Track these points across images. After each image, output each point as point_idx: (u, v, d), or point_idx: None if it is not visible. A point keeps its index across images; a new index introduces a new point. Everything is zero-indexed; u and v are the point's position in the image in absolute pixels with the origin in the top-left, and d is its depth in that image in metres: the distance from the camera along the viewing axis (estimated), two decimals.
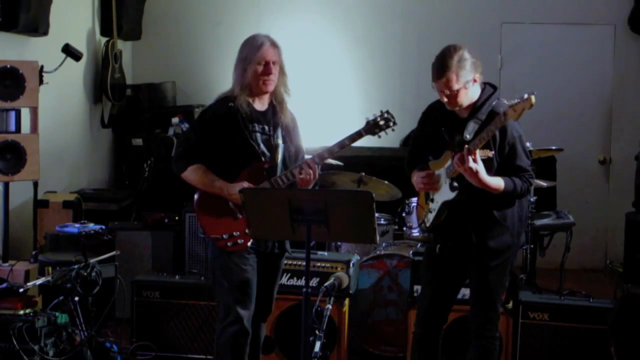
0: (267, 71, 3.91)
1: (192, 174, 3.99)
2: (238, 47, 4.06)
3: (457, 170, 3.76)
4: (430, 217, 4.02)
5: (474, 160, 3.67)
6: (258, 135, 3.98)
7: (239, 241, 3.93)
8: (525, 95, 3.52)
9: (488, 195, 3.80)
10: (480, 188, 3.76)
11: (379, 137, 4.05)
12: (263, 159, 3.99)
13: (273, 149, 4.01)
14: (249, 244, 3.95)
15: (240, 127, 3.93)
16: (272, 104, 4.04)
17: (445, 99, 3.81)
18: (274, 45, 3.96)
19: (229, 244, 3.94)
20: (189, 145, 4.04)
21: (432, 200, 4.02)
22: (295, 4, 8.16)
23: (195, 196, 4.05)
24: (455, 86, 3.76)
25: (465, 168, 3.68)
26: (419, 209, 4.22)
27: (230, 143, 3.95)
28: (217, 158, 3.98)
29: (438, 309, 4.10)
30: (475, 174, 3.68)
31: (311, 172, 3.92)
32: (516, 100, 3.55)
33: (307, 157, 4.11)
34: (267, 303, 4.14)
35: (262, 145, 3.99)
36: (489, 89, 3.90)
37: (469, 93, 3.82)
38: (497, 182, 3.77)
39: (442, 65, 3.77)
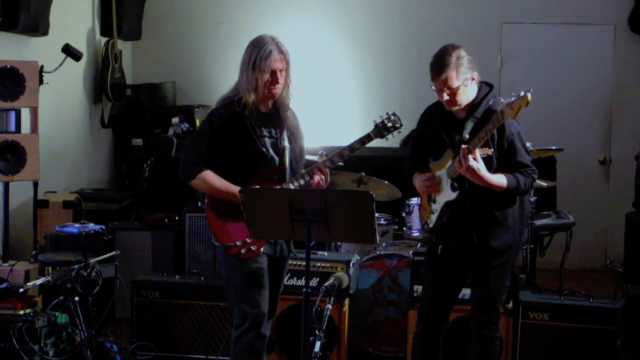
0: (275, 81, 3.89)
1: (202, 181, 3.90)
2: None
3: (458, 170, 3.76)
4: (433, 218, 4.02)
5: (474, 159, 3.67)
6: (266, 139, 3.95)
7: (252, 247, 3.89)
8: (522, 93, 3.52)
9: (490, 194, 3.79)
10: (483, 187, 3.76)
11: (387, 139, 4.10)
12: (273, 164, 3.96)
13: (281, 152, 3.98)
14: (262, 249, 3.93)
15: (249, 134, 3.90)
16: (275, 105, 4.02)
17: (446, 97, 3.80)
18: (282, 52, 3.91)
19: (242, 250, 3.89)
20: (197, 152, 3.93)
21: (434, 201, 4.02)
22: (295, 4, 8.15)
23: (206, 203, 4.00)
24: (455, 83, 3.76)
25: (465, 167, 3.68)
26: (421, 210, 4.22)
27: (240, 150, 3.91)
28: (227, 164, 3.92)
29: (439, 309, 4.10)
30: (476, 172, 3.68)
31: (324, 177, 3.95)
32: (512, 99, 3.56)
33: (312, 158, 4.11)
34: (272, 304, 4.12)
35: (271, 150, 3.96)
36: (485, 87, 3.91)
37: (468, 91, 3.83)
38: (499, 179, 3.76)
39: (441, 63, 3.78)
